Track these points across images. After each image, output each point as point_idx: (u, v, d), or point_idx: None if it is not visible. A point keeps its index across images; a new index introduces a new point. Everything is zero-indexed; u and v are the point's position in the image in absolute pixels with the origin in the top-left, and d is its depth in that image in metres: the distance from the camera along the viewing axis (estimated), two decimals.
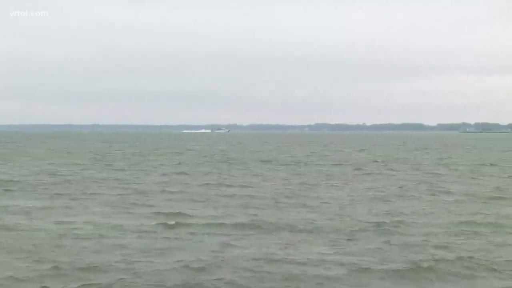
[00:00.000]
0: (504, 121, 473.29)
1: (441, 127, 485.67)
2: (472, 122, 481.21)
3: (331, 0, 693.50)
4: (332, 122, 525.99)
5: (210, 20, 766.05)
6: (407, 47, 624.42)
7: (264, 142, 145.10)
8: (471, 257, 16.96)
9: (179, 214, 24.06)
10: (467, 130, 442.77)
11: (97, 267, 15.58)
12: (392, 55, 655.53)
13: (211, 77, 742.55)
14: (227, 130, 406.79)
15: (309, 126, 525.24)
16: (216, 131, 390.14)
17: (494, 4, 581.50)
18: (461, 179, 42.05)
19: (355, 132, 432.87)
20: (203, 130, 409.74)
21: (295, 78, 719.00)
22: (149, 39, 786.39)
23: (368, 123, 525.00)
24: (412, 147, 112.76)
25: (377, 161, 63.09)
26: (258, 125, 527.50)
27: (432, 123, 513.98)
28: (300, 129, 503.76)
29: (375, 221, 22.60)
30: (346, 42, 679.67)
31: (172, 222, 21.90)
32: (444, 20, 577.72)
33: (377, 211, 25.52)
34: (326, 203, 28.18)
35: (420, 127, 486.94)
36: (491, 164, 59.13)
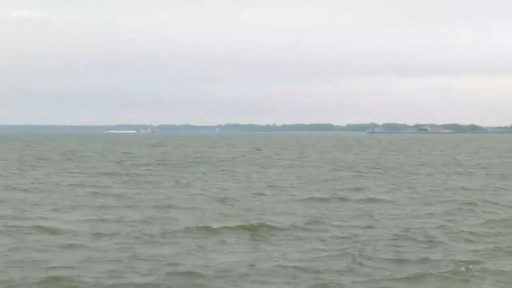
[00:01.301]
0: (410, 122, 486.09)
1: (350, 127, 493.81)
2: (381, 123, 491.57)
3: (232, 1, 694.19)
4: (243, 123, 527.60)
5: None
6: (321, 48, 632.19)
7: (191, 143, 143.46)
8: None
9: None
10: (375, 130, 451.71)
11: None
12: (306, 56, 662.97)
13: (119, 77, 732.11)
14: (152, 131, 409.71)
15: (220, 126, 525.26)
16: (142, 132, 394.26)
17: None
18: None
19: (266, 133, 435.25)
20: (130, 131, 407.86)
21: (205, 78, 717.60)
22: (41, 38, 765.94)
23: (278, 124, 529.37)
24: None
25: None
26: (169, 126, 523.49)
27: (342, 123, 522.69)
28: (211, 130, 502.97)
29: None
30: (256, 42, 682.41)
31: None
32: (363, 21, 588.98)
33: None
34: None
35: (329, 127, 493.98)
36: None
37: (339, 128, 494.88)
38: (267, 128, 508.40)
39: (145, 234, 20.10)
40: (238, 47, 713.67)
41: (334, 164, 61.60)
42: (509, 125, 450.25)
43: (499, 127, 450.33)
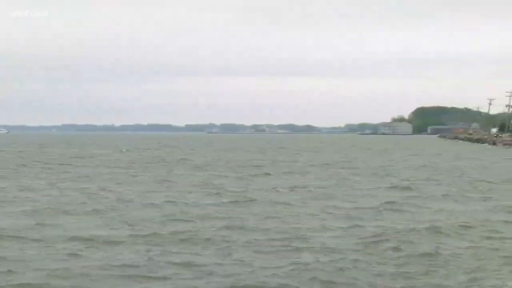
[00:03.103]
0: (248, 122, 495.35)
1: (188, 127, 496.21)
2: (219, 123, 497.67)
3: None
4: (80, 123, 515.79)
5: None
6: (160, 47, 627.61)
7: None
8: None
9: None
10: (214, 130, 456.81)
11: None
12: (143, 55, 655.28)
13: None
14: (6, 131, 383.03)
15: (56, 127, 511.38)
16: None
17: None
18: None
19: (105, 132, 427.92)
20: None
21: (34, 78, 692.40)
22: None
23: (117, 124, 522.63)
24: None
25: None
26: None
27: (180, 123, 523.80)
28: (47, 130, 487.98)
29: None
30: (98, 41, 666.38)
31: None
32: (200, 21, 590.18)
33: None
34: None
35: (169, 128, 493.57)
36: None
37: (178, 129, 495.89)
38: (106, 128, 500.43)
39: None
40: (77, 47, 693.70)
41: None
42: (342, 125, 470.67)
43: (333, 127, 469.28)
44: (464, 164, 63.38)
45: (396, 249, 17.94)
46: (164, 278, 14.89)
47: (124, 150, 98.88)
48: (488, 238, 20.07)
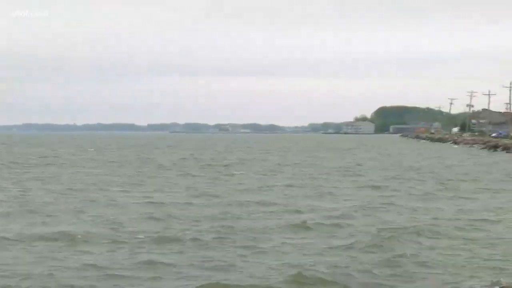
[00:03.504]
0: (211, 121, 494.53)
1: (151, 127, 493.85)
2: (182, 122, 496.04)
3: None
4: (41, 122, 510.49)
5: None
6: (125, 47, 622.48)
7: None
8: None
9: None
10: (177, 130, 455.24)
11: None
12: (106, 54, 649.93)
13: None
14: None
15: (17, 126, 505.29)
16: None
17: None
18: None
19: (67, 132, 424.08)
20: None
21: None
22: None
23: (79, 123, 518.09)
24: None
25: None
26: None
27: (143, 123, 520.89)
28: (8, 130, 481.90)
29: None
30: (45, 40, 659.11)
31: None
32: (157, 21, 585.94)
33: None
34: None
35: (132, 127, 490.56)
36: None
37: (141, 128, 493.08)
38: (67, 128, 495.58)
39: None
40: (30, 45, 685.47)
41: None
42: (305, 125, 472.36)
43: (296, 127, 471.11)
44: (429, 163, 64.24)
45: (368, 251, 17.93)
46: (131, 278, 14.96)
47: (91, 150, 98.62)
48: (459, 238, 20.37)
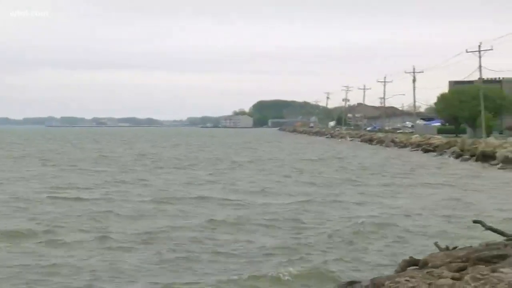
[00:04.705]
0: (88, 115, 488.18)
1: (27, 121, 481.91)
2: (59, 116, 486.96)
3: None
4: None
5: None
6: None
7: None
8: None
9: None
10: (53, 124, 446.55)
11: None
12: None
13: None
14: None
15: None
16: None
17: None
18: None
19: None
20: None
21: None
22: None
23: None
24: None
25: None
26: None
27: (18, 117, 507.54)
28: None
29: None
30: None
31: None
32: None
33: None
34: None
35: (6, 121, 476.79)
36: None
37: (16, 122, 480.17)
38: None
39: None
40: None
41: None
42: (184, 119, 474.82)
43: (174, 121, 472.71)
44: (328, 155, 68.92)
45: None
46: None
47: None
48: None
